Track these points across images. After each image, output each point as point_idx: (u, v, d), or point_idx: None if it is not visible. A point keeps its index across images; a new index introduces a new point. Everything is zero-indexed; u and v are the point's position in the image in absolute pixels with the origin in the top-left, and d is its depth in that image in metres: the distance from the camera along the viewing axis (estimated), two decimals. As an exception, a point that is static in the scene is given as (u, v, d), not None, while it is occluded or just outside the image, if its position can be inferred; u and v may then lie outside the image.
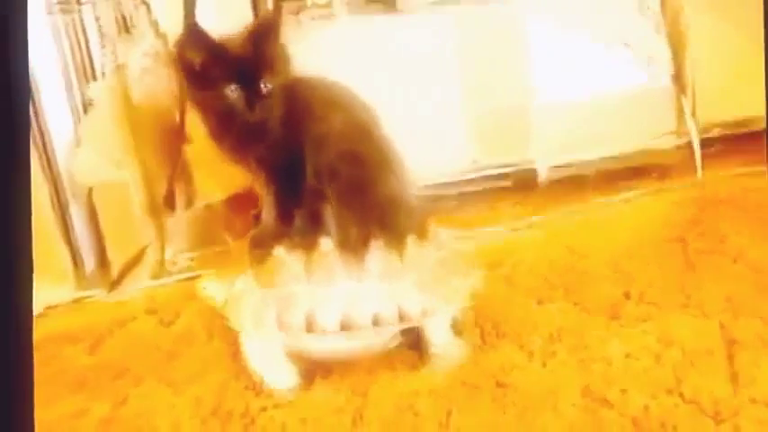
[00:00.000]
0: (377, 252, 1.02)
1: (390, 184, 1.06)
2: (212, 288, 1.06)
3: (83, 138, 1.43)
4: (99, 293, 1.44)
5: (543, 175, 1.60)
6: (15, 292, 0.78)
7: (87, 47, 1.40)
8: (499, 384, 0.97)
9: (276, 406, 0.99)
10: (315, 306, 1.00)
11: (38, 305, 1.40)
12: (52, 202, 1.42)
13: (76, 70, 1.42)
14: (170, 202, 1.43)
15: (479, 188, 1.62)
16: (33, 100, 1.37)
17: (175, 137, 1.38)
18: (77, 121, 1.45)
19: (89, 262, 1.48)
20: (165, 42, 1.36)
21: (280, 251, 1.02)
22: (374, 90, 1.28)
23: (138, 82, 1.37)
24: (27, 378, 0.79)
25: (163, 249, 1.46)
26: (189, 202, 1.46)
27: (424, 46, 1.54)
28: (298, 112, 1.05)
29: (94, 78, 1.42)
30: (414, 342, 1.05)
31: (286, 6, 1.42)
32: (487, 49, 1.56)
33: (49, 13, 1.40)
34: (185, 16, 1.35)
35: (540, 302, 1.16)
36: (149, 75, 1.37)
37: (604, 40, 1.54)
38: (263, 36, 1.05)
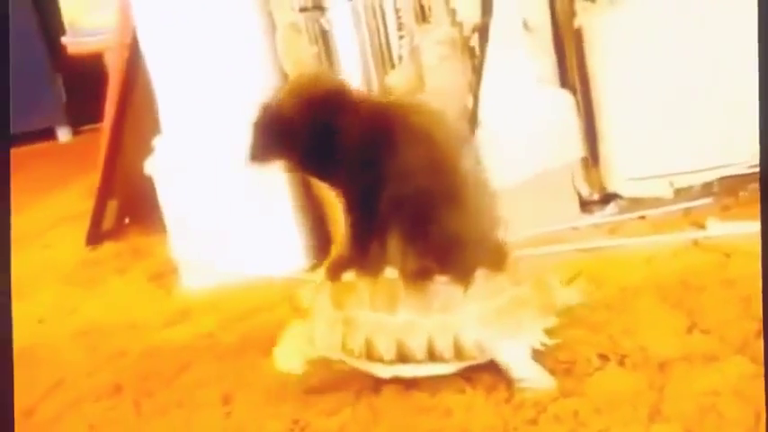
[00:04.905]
0: (439, 286, 1.04)
1: (458, 221, 1.04)
2: (305, 296, 1.11)
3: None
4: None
5: None
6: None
7: (386, 33, 1.47)
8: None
9: (566, 395, 1.00)
10: (373, 333, 1.04)
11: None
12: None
13: (374, 56, 1.50)
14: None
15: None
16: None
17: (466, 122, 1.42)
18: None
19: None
20: (461, 31, 1.40)
21: (350, 275, 1.09)
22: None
23: (433, 69, 1.41)
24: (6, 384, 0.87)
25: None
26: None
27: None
28: (378, 140, 1.05)
29: (392, 65, 1.49)
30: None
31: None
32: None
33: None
34: (483, 6, 1.38)
35: None
36: (444, 62, 1.41)
37: None
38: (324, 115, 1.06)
